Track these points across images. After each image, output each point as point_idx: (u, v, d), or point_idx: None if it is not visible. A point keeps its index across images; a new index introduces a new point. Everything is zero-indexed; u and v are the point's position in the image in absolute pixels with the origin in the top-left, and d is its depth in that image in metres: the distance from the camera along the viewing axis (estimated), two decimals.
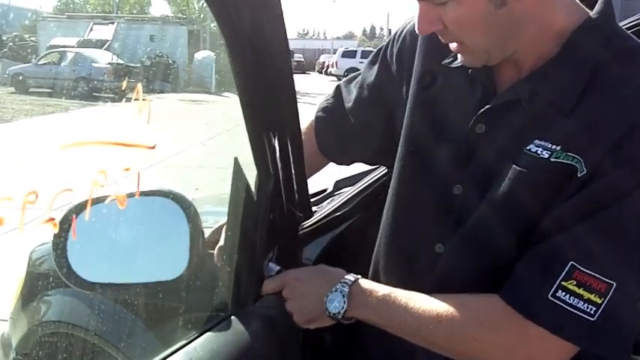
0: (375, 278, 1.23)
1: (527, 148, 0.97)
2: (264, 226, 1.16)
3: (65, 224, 1.12)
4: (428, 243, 1.11)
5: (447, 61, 1.12)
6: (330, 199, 1.65)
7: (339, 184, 1.78)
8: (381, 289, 1.05)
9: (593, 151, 0.92)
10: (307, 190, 1.27)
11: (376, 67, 1.31)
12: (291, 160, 1.16)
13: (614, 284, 0.89)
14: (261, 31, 0.99)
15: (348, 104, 1.35)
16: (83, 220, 1.08)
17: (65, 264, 1.17)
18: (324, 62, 43.05)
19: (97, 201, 1.01)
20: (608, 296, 0.89)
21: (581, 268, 0.90)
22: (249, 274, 1.15)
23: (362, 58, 34.61)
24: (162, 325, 1.44)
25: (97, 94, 18.94)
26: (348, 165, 1.49)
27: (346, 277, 1.07)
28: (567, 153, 0.94)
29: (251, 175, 1.15)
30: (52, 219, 0.78)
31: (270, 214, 1.16)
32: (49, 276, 1.88)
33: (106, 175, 0.82)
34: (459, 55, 1.06)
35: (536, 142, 0.97)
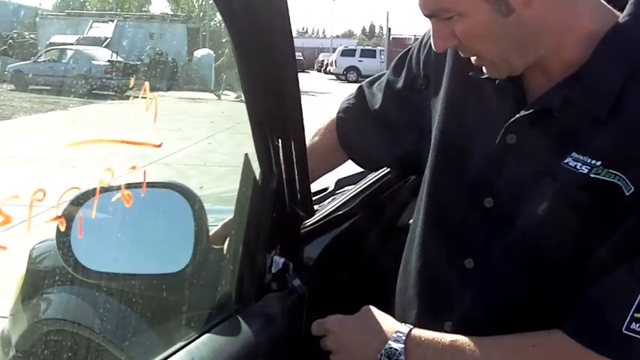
0: (402, 295, 1.20)
1: (565, 162, 0.93)
2: (266, 225, 1.16)
3: (71, 215, 1.12)
4: (457, 258, 1.07)
5: (475, 72, 1.08)
6: (332, 197, 1.65)
7: (341, 183, 1.78)
8: (439, 338, 0.98)
9: (634, 165, 0.88)
10: (309, 189, 1.27)
11: (403, 73, 1.30)
12: (294, 159, 1.16)
13: None
14: (266, 30, 0.99)
15: (375, 107, 1.34)
16: (89, 210, 1.08)
17: (70, 253, 1.17)
18: (323, 61, 43.00)
19: (105, 190, 1.01)
20: None
21: None
22: (251, 272, 1.15)
23: (361, 56, 34.62)
24: (164, 322, 1.44)
25: (96, 92, 18.92)
26: (373, 169, 1.49)
27: (399, 328, 1.01)
28: (609, 170, 0.89)
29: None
30: (60, 217, 0.78)
31: (272, 213, 1.16)
32: (49, 273, 1.88)
33: (113, 173, 0.82)
34: (483, 67, 1.04)
35: (574, 155, 0.92)
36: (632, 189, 0.87)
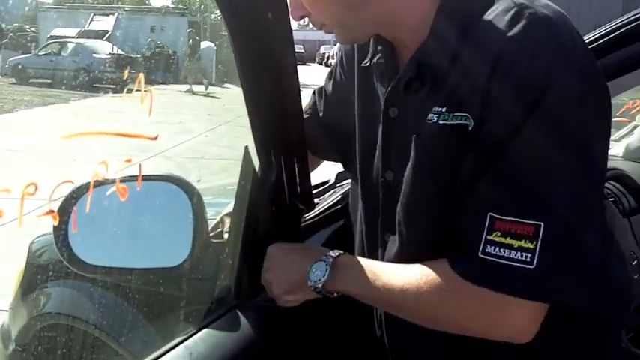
0: None
1: (428, 118, 0.97)
2: (266, 218, 1.15)
3: (66, 209, 1.11)
4: (379, 235, 1.13)
5: (364, 63, 1.16)
6: (333, 191, 1.64)
7: (341, 177, 1.77)
8: (361, 263, 1.04)
9: (473, 103, 0.91)
10: (310, 182, 1.26)
11: (332, 78, 1.35)
12: (294, 152, 1.15)
13: (542, 224, 0.85)
14: (264, 21, 0.98)
15: (320, 113, 1.38)
16: (84, 204, 1.08)
17: (67, 246, 1.16)
18: (324, 54, 43.02)
19: (100, 183, 1.00)
20: (540, 238, 0.84)
21: (500, 217, 0.86)
22: (250, 266, 1.14)
23: None
24: (162, 318, 1.43)
25: (97, 85, 18.93)
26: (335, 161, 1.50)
27: (330, 252, 1.07)
28: (454, 114, 0.93)
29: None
30: (52, 211, 0.77)
31: (272, 206, 1.15)
32: (49, 267, 1.87)
33: (108, 167, 0.81)
34: (369, 55, 1.13)
35: (433, 109, 0.97)
36: (473, 124, 0.91)
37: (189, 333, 1.02)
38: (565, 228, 0.86)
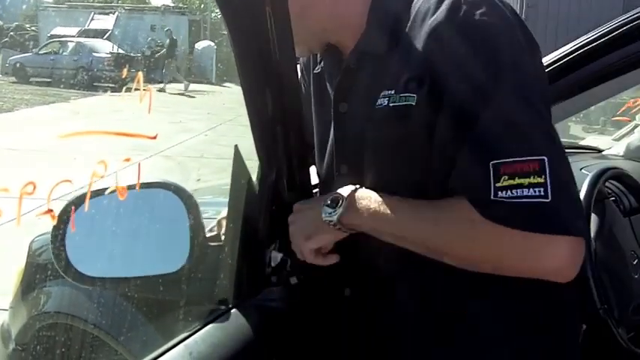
0: None
1: (377, 104, 1.01)
2: (266, 218, 1.15)
3: (65, 216, 1.11)
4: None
5: (315, 70, 1.23)
6: None
7: None
8: (379, 195, 1.02)
9: (420, 80, 0.95)
10: (310, 181, 1.26)
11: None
12: (294, 151, 1.15)
13: (545, 157, 0.87)
14: (264, 20, 0.98)
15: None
16: (82, 212, 1.07)
17: (63, 257, 1.16)
18: None
19: (97, 194, 1.00)
20: (547, 170, 0.87)
21: (504, 160, 0.88)
22: (250, 266, 1.14)
23: None
24: (162, 317, 1.43)
25: (97, 84, 18.91)
26: None
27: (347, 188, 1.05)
28: (400, 95, 0.98)
29: (253, 165, 1.14)
30: (51, 210, 0.77)
31: (272, 206, 1.15)
32: (49, 267, 1.87)
33: (106, 166, 0.81)
34: (318, 60, 1.22)
35: (382, 93, 1.01)
36: (416, 99, 0.96)
37: (189, 332, 1.02)
38: (560, 159, 0.90)
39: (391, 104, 0.99)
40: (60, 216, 1.10)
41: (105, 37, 23.35)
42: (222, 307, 1.12)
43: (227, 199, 1.18)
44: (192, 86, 19.73)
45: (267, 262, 1.15)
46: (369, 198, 1.02)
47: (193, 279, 1.22)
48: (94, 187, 0.95)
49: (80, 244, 1.15)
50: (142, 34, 24.72)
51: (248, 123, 1.07)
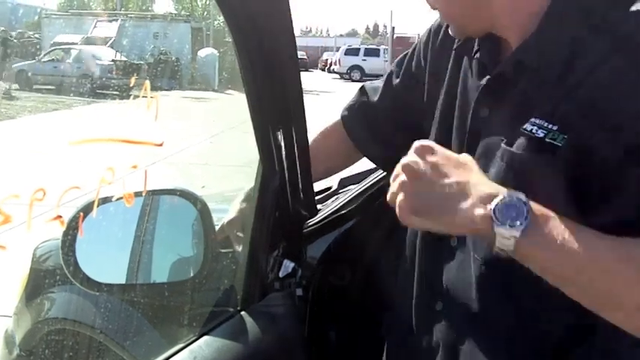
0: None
1: (524, 127, 0.90)
2: (269, 224, 1.16)
3: (74, 223, 1.12)
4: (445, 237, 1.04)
5: (457, 45, 1.12)
6: (335, 197, 1.65)
7: (344, 182, 1.77)
8: (559, 217, 0.81)
9: (584, 120, 0.85)
10: (312, 188, 1.27)
11: (402, 68, 1.32)
12: (297, 158, 1.15)
13: None
14: (267, 27, 0.99)
15: (374, 99, 1.35)
16: (91, 218, 1.08)
17: (73, 262, 1.16)
18: (327, 60, 42.99)
19: (105, 201, 1.01)
20: None
21: None
22: (254, 272, 1.15)
23: (365, 55, 34.62)
24: (167, 322, 1.43)
25: (100, 91, 18.93)
26: (382, 166, 1.46)
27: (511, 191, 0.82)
28: (564, 135, 0.86)
29: (255, 173, 1.15)
30: (60, 216, 0.78)
31: (275, 212, 1.16)
32: (53, 273, 1.88)
33: (114, 173, 0.82)
34: (475, 48, 1.07)
35: (532, 120, 0.89)
36: (566, 143, 0.86)
37: (194, 337, 1.03)
38: None
39: (548, 139, 0.87)
40: (70, 222, 1.11)
41: (108, 44, 23.40)
42: (227, 313, 1.12)
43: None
44: (195, 93, 19.74)
45: (271, 267, 1.16)
46: (551, 217, 0.81)
47: (200, 285, 1.23)
48: (102, 194, 0.96)
49: (90, 250, 1.16)
50: (145, 41, 24.78)
51: (251, 130, 1.08)
